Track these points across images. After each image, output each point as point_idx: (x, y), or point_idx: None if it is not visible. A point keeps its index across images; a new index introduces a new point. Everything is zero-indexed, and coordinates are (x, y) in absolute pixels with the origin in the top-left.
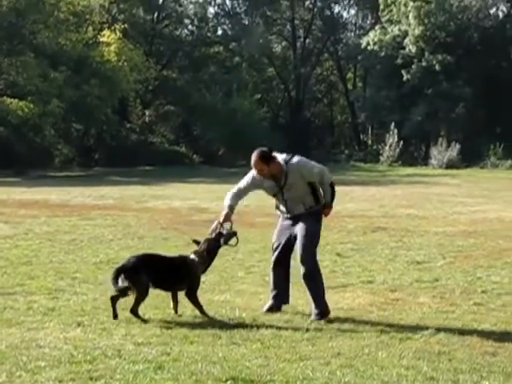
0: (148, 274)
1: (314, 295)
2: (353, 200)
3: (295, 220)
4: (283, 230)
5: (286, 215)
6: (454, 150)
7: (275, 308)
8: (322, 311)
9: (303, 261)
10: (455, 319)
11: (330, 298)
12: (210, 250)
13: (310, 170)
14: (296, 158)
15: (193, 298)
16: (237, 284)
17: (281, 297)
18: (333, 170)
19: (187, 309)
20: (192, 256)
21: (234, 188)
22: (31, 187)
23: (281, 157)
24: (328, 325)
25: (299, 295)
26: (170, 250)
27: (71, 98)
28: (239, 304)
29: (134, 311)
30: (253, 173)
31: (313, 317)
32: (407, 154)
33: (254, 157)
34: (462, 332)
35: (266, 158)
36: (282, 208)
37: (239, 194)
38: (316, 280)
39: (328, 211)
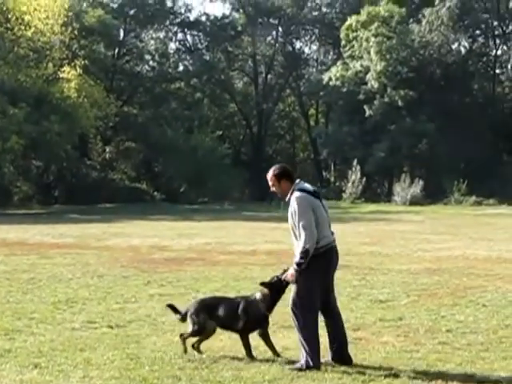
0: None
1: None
2: None
3: None
4: None
5: None
6: (418, 187)
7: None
8: (302, 364)
9: None
10: (419, 359)
11: (292, 337)
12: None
13: (295, 213)
14: (297, 193)
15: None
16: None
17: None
18: None
19: (146, 349)
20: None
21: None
22: None
23: (298, 183)
24: (290, 365)
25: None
26: (130, 289)
27: (31, 135)
28: (203, 345)
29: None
30: None
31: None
32: (370, 191)
33: (270, 170)
34: (426, 372)
35: (280, 175)
36: None
37: None
38: (300, 333)
39: (290, 274)
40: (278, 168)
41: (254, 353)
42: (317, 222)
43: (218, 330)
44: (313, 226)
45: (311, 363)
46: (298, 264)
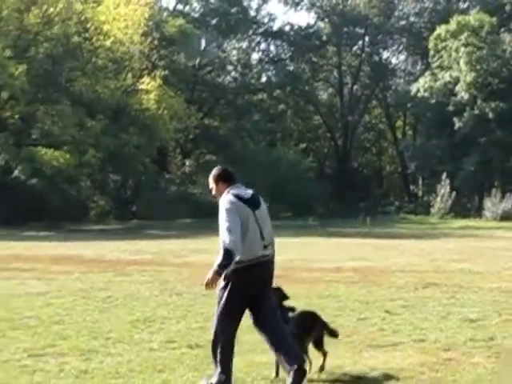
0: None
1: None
2: (403, 254)
3: None
4: None
5: None
6: (509, 202)
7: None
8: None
9: None
10: None
11: (379, 357)
12: None
13: (221, 215)
14: (228, 196)
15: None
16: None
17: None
18: (382, 223)
19: (240, 372)
20: None
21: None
22: (65, 241)
23: (235, 187)
24: None
25: (345, 353)
26: (210, 308)
27: (108, 148)
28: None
29: None
30: None
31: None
32: (459, 206)
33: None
34: None
35: (219, 176)
36: None
37: None
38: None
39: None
40: (217, 169)
41: None
42: (244, 232)
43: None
44: (237, 231)
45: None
46: (220, 265)
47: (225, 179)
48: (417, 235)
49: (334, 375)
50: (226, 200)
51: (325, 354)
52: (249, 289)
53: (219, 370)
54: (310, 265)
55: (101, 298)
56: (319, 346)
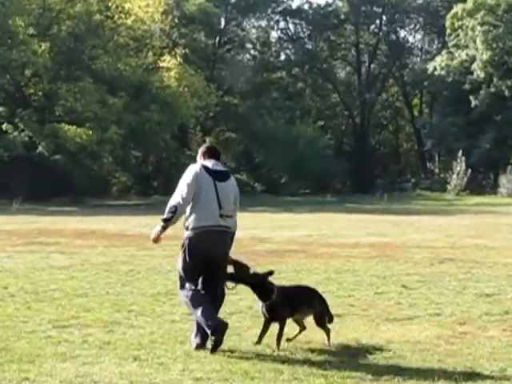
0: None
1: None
2: (419, 230)
3: None
4: None
5: None
6: None
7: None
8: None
9: None
10: None
11: (396, 330)
12: None
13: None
14: (195, 164)
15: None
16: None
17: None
18: (399, 199)
19: (247, 342)
20: None
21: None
22: (88, 216)
23: (207, 160)
24: (393, 358)
25: (362, 327)
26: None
27: (130, 124)
28: (302, 337)
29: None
30: None
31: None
32: (475, 183)
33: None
34: None
35: (203, 153)
36: None
37: None
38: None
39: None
40: (204, 146)
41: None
42: (198, 199)
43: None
44: (187, 194)
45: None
46: (163, 219)
47: (208, 155)
48: (433, 212)
49: (351, 348)
50: (190, 168)
51: (328, 333)
52: (204, 253)
53: (196, 328)
54: (328, 240)
55: (123, 272)
56: (319, 322)
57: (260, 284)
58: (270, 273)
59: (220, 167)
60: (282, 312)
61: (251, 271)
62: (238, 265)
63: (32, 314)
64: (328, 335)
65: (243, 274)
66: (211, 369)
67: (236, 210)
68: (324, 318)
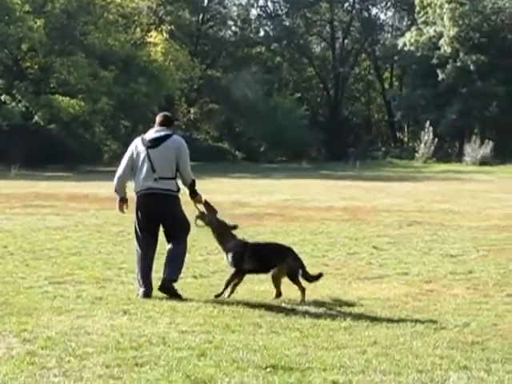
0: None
1: None
2: (389, 195)
3: None
4: None
5: None
6: (488, 148)
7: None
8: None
9: None
10: (488, 310)
11: (367, 288)
12: None
13: None
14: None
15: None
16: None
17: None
18: (370, 167)
19: (229, 298)
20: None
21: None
22: (81, 181)
23: (150, 130)
24: (364, 314)
25: (335, 285)
26: (212, 242)
27: (119, 96)
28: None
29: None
30: None
31: None
32: (442, 151)
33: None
34: (495, 322)
35: (155, 121)
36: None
37: None
38: None
39: None
40: (158, 115)
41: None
42: (133, 166)
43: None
44: (124, 166)
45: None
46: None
47: (156, 124)
48: (402, 178)
49: (325, 304)
50: (132, 142)
51: (302, 289)
52: (145, 213)
53: (139, 283)
54: (304, 204)
55: (114, 233)
56: (292, 278)
57: (221, 231)
58: (234, 226)
59: (158, 133)
60: (241, 263)
61: (218, 217)
62: (208, 207)
63: (30, 271)
64: (302, 293)
65: (210, 217)
66: (195, 322)
67: (183, 168)
68: (296, 274)
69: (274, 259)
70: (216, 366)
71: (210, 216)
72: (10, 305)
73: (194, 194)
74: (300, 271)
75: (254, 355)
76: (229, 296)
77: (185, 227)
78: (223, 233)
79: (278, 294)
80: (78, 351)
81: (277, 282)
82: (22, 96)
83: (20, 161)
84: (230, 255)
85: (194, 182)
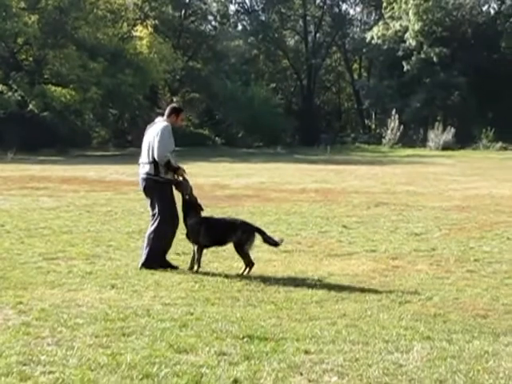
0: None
1: None
2: (358, 178)
3: None
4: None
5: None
6: (450, 134)
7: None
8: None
9: None
10: (450, 284)
11: (337, 264)
12: None
13: None
14: None
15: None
16: (253, 252)
17: None
18: (340, 151)
19: (209, 274)
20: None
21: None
22: (72, 165)
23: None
24: (335, 289)
25: (308, 261)
26: None
27: (108, 86)
28: (254, 270)
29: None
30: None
31: None
32: (407, 137)
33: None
34: (456, 296)
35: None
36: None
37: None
38: None
39: None
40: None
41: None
42: None
43: (273, 257)
44: None
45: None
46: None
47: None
48: (370, 162)
49: (297, 279)
50: None
51: (245, 262)
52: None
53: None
54: (279, 186)
55: (102, 213)
56: (238, 250)
57: (186, 206)
58: (200, 206)
59: (152, 123)
60: (198, 236)
61: (186, 196)
62: (178, 184)
63: (25, 247)
64: (246, 266)
65: (181, 192)
66: (177, 296)
67: (153, 148)
68: (242, 247)
69: (226, 233)
70: (197, 336)
71: (186, 185)
72: (7, 279)
73: (171, 170)
74: (261, 238)
75: (232, 326)
76: (197, 271)
77: (158, 210)
78: (192, 207)
79: (248, 264)
80: (70, 322)
81: (240, 252)
82: (18, 86)
83: (16, 146)
84: (189, 230)
85: (168, 161)
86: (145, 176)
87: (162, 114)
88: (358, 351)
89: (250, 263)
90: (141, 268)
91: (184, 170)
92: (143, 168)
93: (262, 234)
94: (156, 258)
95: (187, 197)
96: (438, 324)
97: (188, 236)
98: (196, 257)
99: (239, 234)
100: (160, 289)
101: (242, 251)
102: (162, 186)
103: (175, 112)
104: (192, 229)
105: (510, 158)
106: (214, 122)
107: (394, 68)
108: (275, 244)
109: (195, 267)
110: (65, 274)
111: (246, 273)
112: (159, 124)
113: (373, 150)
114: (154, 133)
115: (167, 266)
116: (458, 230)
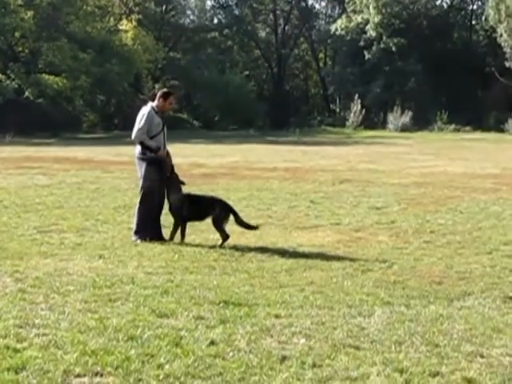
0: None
1: None
2: (324, 157)
3: None
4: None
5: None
6: (407, 117)
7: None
8: None
9: None
10: (408, 254)
11: (305, 236)
12: None
13: None
14: None
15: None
16: (228, 225)
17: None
18: (308, 133)
19: (187, 245)
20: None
21: (144, 132)
22: (64, 146)
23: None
24: (303, 259)
25: (278, 233)
26: None
27: (96, 75)
28: (229, 242)
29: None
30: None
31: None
32: (368, 120)
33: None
34: (414, 265)
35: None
36: (161, 146)
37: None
38: None
39: None
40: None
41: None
42: None
43: (245, 230)
44: None
45: None
46: None
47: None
48: (335, 143)
49: (269, 250)
50: None
51: (222, 237)
52: None
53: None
54: (251, 165)
55: (91, 190)
56: (215, 225)
57: (169, 183)
58: (182, 182)
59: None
60: (180, 211)
61: (167, 174)
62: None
63: (21, 221)
64: (223, 239)
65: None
66: (159, 265)
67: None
68: (219, 222)
69: (205, 209)
70: (176, 302)
71: (167, 164)
72: (5, 250)
73: (148, 150)
74: (234, 218)
75: (208, 293)
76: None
77: (141, 184)
78: (173, 184)
79: (224, 238)
80: (61, 289)
81: (217, 227)
82: (15, 75)
83: (13, 129)
84: (172, 205)
85: (141, 142)
86: (136, 155)
87: (146, 100)
88: (324, 315)
89: (225, 236)
90: (134, 238)
91: (166, 151)
92: (135, 148)
93: (236, 215)
94: (145, 227)
95: (168, 174)
96: (397, 290)
97: (170, 210)
98: (180, 230)
99: (217, 211)
100: (143, 259)
101: (219, 226)
102: (146, 163)
103: (163, 96)
104: (175, 204)
105: (462, 139)
106: (193, 107)
107: (356, 57)
108: (247, 227)
109: (180, 239)
110: (57, 245)
111: (220, 244)
112: (143, 108)
113: (337, 132)
114: (139, 113)
115: (157, 236)
116: (415, 205)
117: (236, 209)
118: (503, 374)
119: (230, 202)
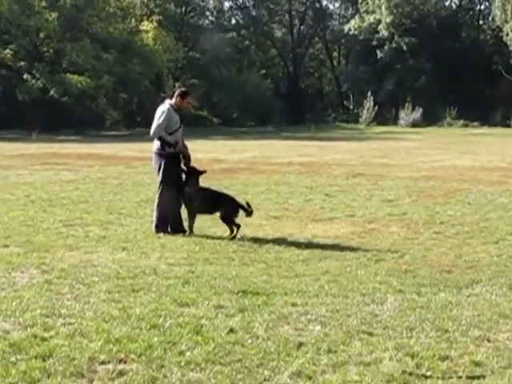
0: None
1: None
2: (338, 152)
3: None
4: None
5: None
6: (418, 113)
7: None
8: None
9: None
10: (419, 244)
11: (320, 228)
12: None
13: None
14: None
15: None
16: (246, 218)
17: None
18: (323, 129)
19: (208, 237)
20: None
21: (163, 129)
22: (88, 143)
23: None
24: (318, 249)
25: (294, 225)
26: None
27: (119, 74)
28: (248, 234)
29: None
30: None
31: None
32: (381, 116)
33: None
34: (424, 254)
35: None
36: (179, 141)
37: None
38: None
39: None
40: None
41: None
42: None
43: (263, 222)
44: None
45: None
46: None
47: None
48: (348, 138)
49: (285, 241)
50: None
51: (231, 229)
52: None
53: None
54: (269, 160)
55: (115, 185)
56: (224, 221)
57: (186, 176)
58: (202, 171)
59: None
60: (191, 204)
61: (184, 165)
62: (184, 156)
63: (47, 215)
64: (231, 232)
65: (186, 162)
66: (181, 257)
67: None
68: (228, 217)
69: (216, 204)
70: (197, 292)
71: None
72: (32, 243)
73: (167, 145)
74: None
75: (228, 283)
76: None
77: (161, 179)
78: (191, 177)
79: (234, 229)
80: (86, 280)
81: (227, 222)
82: (40, 75)
83: (39, 127)
84: (185, 197)
85: (160, 138)
86: (153, 150)
87: (166, 98)
88: (339, 303)
89: (237, 227)
90: (156, 231)
91: (185, 146)
92: (154, 144)
93: (246, 210)
94: (165, 222)
95: (185, 168)
96: (409, 279)
97: (184, 201)
98: (188, 222)
99: (227, 208)
100: (165, 250)
101: (228, 222)
102: (165, 158)
103: (181, 95)
104: (189, 196)
105: (470, 134)
106: (212, 105)
107: (369, 56)
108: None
109: (187, 231)
110: (82, 238)
111: (233, 234)
112: (161, 106)
113: (351, 128)
114: (157, 110)
115: (179, 229)
116: (425, 197)
117: (252, 203)
118: (509, 357)
119: (249, 196)
